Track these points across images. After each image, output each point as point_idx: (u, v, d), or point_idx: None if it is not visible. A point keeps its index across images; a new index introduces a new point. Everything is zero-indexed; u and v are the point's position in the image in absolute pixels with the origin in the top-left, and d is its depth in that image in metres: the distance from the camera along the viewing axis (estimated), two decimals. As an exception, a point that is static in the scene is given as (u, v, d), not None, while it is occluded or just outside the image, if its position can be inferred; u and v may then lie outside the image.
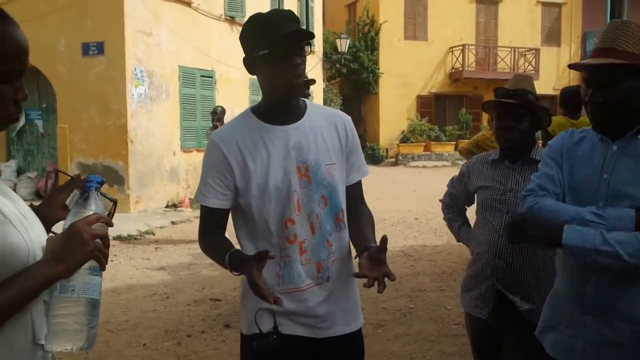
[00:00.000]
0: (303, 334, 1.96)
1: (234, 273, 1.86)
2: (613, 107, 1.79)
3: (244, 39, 1.95)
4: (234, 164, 1.93)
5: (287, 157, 1.94)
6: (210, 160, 1.98)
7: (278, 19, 1.89)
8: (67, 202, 1.47)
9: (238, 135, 1.96)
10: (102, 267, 1.32)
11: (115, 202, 1.55)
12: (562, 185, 1.90)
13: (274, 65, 1.87)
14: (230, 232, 2.00)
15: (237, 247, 1.97)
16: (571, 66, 2.00)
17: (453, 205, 2.98)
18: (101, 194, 1.43)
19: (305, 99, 2.07)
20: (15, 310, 1.23)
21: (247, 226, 1.99)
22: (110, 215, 1.44)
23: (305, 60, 1.92)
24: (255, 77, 1.97)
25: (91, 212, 1.34)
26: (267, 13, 1.94)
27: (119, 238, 8.90)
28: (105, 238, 1.32)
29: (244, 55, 1.94)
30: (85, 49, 10.87)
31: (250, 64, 1.94)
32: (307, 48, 1.92)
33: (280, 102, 1.96)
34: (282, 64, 1.85)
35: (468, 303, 2.68)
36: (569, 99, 5.41)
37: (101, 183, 1.42)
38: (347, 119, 2.11)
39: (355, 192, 2.11)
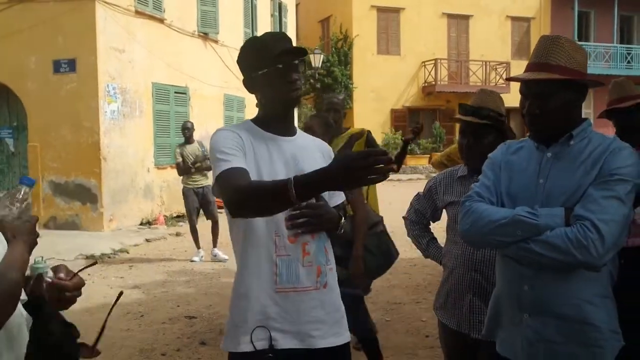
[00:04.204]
0: (297, 346, 1.98)
1: (297, 202, 1.74)
2: (549, 117, 1.92)
3: (242, 61, 2.09)
4: (246, 147, 1.98)
5: (286, 164, 2.02)
6: (224, 138, 1.98)
7: (272, 40, 2.03)
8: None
9: (246, 131, 2.04)
10: None
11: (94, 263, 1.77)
12: (499, 193, 2.02)
13: (272, 83, 2.00)
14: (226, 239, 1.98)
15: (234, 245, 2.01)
16: (509, 79, 2.14)
17: (419, 222, 2.97)
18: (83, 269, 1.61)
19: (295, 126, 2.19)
20: None
21: (246, 221, 1.98)
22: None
23: (301, 75, 2.05)
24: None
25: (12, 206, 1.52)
26: (262, 36, 2.09)
27: (92, 257, 8.79)
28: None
29: (236, 76, 2.00)
30: (57, 66, 10.76)
31: (249, 84, 2.08)
32: (302, 64, 2.04)
33: (279, 115, 2.09)
34: (280, 80, 1.99)
35: (451, 319, 2.67)
36: None
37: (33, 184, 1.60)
38: (329, 148, 2.27)
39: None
